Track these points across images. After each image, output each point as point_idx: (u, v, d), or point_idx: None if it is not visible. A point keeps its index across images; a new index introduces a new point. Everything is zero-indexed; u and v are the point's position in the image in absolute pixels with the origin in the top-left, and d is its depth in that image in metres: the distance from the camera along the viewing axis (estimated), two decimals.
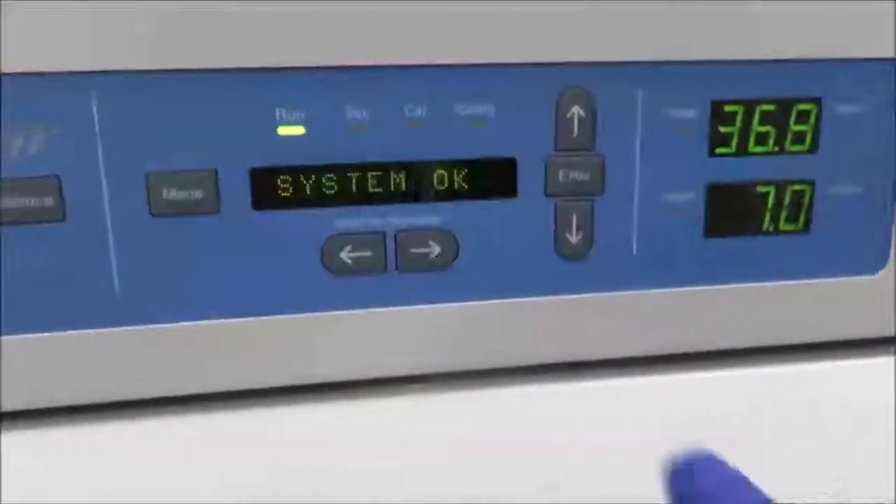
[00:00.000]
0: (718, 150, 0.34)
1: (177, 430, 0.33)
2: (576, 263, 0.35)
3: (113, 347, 0.32)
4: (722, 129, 0.34)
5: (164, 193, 0.31)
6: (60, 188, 0.30)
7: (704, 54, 0.33)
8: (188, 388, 0.33)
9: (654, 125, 0.34)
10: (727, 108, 0.34)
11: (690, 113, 0.34)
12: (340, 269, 0.33)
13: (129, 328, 0.32)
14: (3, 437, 0.32)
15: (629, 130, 0.34)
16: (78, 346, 0.32)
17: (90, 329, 0.32)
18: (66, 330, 0.31)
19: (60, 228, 0.31)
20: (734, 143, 0.34)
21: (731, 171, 0.35)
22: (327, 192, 0.32)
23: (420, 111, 0.32)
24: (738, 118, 0.34)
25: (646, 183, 0.34)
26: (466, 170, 0.33)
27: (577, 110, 0.33)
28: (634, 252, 0.35)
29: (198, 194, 0.31)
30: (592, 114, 0.33)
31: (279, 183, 0.32)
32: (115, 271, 0.31)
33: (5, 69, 0.29)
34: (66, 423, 0.33)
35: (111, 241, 0.31)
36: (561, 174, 0.33)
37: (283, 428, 0.34)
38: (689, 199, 0.35)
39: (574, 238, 0.34)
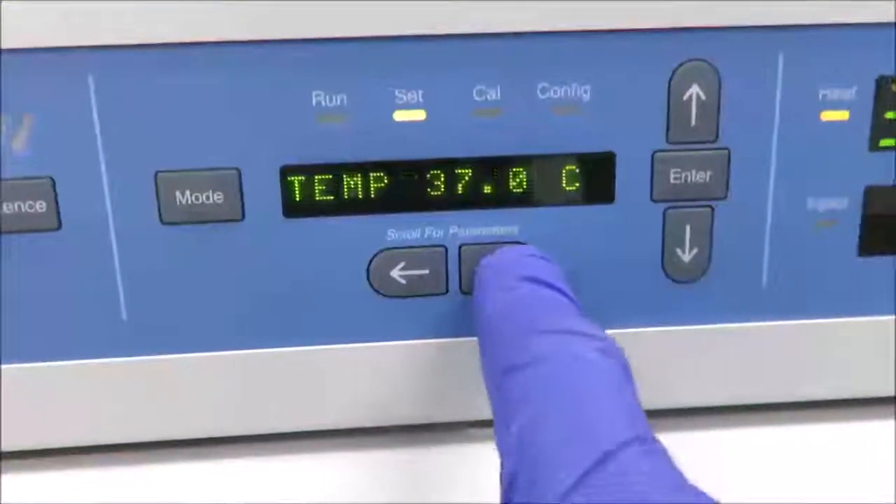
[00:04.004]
0: (883, 143, 0.27)
1: (192, 478, 0.28)
2: (688, 287, 0.28)
3: (118, 381, 0.27)
4: (889, 115, 0.27)
5: (178, 197, 0.26)
6: (54, 191, 0.25)
7: (867, 15, 0.26)
8: (205, 430, 0.28)
9: (798, 110, 0.27)
10: None
11: (847, 93, 0.27)
12: (391, 291, 0.27)
13: (137, 359, 0.27)
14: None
15: (764, 117, 0.27)
16: (77, 379, 0.27)
17: (91, 359, 0.27)
18: (61, 360, 0.27)
19: (55, 239, 0.26)
20: None
21: None
22: (375, 195, 0.26)
23: (492, 94, 0.26)
24: None
25: (783, 185, 0.27)
26: (550, 168, 0.26)
27: (695, 91, 0.26)
28: (765, 273, 0.28)
29: (218, 198, 0.26)
30: (716, 95, 0.26)
31: (316, 184, 0.26)
32: (120, 289, 0.26)
33: None
34: (64, 465, 0.28)
35: (115, 254, 0.26)
36: (672, 174, 0.27)
37: (328, 476, 0.28)
38: (841, 207, 0.27)
39: (687, 255, 0.27)
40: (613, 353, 0.21)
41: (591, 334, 0.21)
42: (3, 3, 0.24)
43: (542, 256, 0.26)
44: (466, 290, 0.27)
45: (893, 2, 0.26)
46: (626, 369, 0.21)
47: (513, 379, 0.20)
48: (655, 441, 0.19)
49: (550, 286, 0.23)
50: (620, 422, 0.19)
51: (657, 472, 0.18)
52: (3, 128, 0.25)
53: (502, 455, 0.20)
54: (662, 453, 0.18)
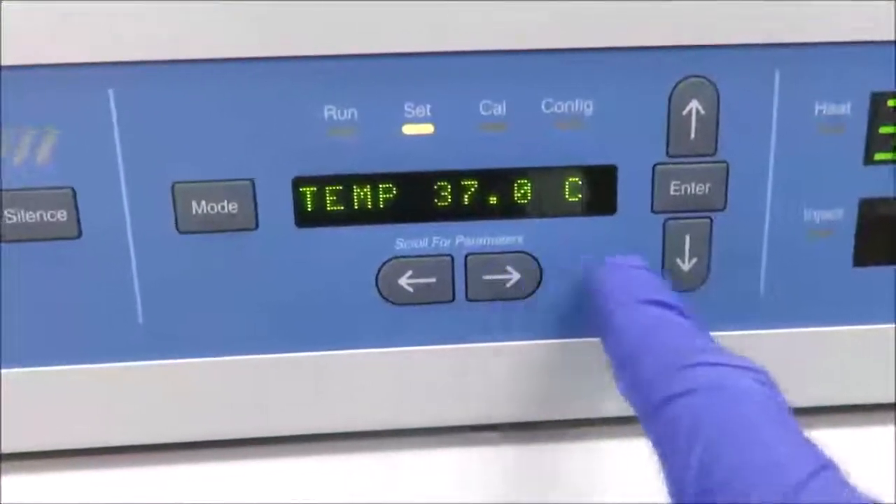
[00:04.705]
0: (878, 157, 0.28)
1: (206, 479, 0.29)
2: (688, 295, 0.28)
3: (134, 384, 0.28)
4: (883, 130, 0.27)
5: (194, 207, 0.26)
6: (75, 201, 0.26)
7: (861, 34, 0.26)
8: (217, 432, 0.29)
9: (794, 124, 0.27)
10: (891, 103, 0.27)
11: (842, 108, 0.27)
12: (400, 298, 0.28)
13: (154, 363, 0.28)
14: (2, 482, 0.28)
15: (761, 131, 0.27)
16: (94, 383, 0.28)
17: (108, 363, 0.28)
18: (79, 363, 0.28)
19: (75, 247, 0.27)
20: None
21: (893, 183, 0.28)
22: (384, 206, 0.27)
23: (498, 109, 0.27)
24: None
25: (780, 197, 0.28)
26: (554, 180, 0.27)
27: (695, 106, 0.27)
28: (762, 282, 0.29)
29: (232, 208, 0.27)
30: (715, 110, 0.27)
31: (327, 195, 0.27)
32: (137, 296, 0.27)
33: (6, 61, 0.25)
34: (82, 466, 0.29)
35: (133, 262, 0.27)
36: (672, 186, 0.27)
37: (337, 478, 0.29)
38: (837, 219, 0.28)
39: (686, 265, 0.28)
40: (769, 382, 0.21)
41: (745, 366, 0.21)
42: (27, 23, 0.24)
43: (645, 267, 0.26)
44: (472, 298, 0.28)
45: (887, 21, 0.26)
46: (782, 396, 0.21)
47: (674, 408, 0.20)
48: (834, 463, 0.19)
49: (679, 311, 0.24)
50: (803, 451, 0.19)
51: (850, 495, 0.18)
52: (29, 139, 0.25)
53: (676, 484, 0.20)
54: (842, 474, 0.19)
